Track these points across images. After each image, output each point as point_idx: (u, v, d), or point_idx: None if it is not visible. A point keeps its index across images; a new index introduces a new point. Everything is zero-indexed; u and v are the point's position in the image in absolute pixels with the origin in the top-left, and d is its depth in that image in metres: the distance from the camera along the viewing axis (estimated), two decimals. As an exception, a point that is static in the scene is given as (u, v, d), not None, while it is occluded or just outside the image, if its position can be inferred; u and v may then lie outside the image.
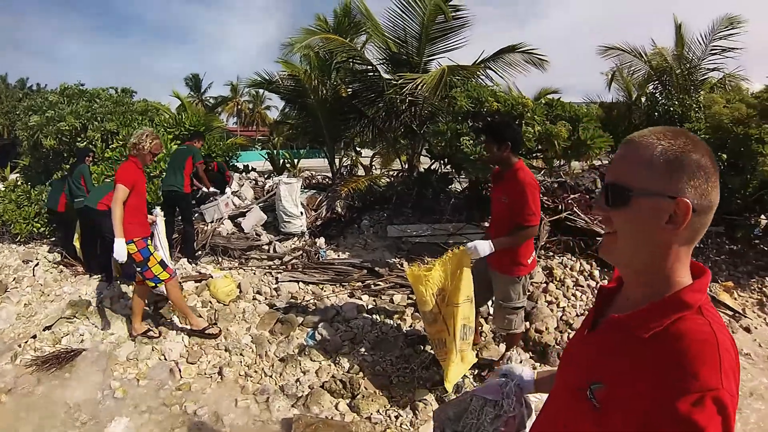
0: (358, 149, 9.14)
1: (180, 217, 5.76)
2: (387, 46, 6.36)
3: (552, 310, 3.99)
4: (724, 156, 4.72)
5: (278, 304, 4.27)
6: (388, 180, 6.60)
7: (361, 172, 8.48)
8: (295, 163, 11.23)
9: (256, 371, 3.53)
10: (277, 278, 4.72)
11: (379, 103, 6.58)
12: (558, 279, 4.39)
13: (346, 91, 7.28)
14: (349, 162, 8.33)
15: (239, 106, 36.35)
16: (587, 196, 5.40)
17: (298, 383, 3.36)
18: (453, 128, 4.59)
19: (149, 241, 3.77)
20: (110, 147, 7.42)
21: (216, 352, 3.79)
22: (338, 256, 5.29)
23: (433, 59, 6.35)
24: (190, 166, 5.68)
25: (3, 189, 8.73)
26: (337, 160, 8.07)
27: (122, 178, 3.52)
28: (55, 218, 6.54)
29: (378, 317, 3.93)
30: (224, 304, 4.37)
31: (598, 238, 4.60)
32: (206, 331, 3.86)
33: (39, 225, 7.22)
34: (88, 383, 3.68)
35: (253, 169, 9.82)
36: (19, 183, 9.30)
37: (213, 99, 33.76)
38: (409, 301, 4.13)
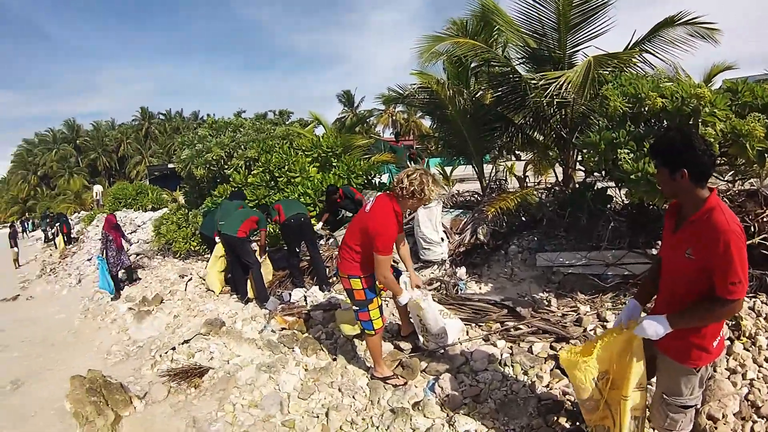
0: (517, 152, 8.07)
1: (306, 246, 5.78)
2: (525, 43, 5.52)
3: (735, 384, 2.65)
4: None
5: (403, 345, 3.77)
6: (539, 198, 5.65)
7: (514, 183, 7.46)
8: (448, 173, 10.36)
9: (363, 419, 3.11)
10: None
11: (524, 108, 5.75)
12: (747, 335, 2.98)
13: (491, 96, 6.59)
14: (500, 173, 7.33)
15: (393, 117, 36.71)
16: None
17: (404, 441, 2.82)
18: (607, 137, 3.56)
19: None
20: (252, 173, 7.92)
21: (329, 390, 3.50)
22: (479, 288, 4.62)
23: (578, 50, 5.28)
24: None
25: (167, 212, 10.15)
26: (489, 169, 7.25)
27: (386, 245, 2.88)
28: (205, 241, 7.15)
29: (511, 370, 3.16)
30: (348, 338, 4.07)
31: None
32: (389, 381, 3.37)
33: (195, 244, 8.09)
34: (206, 403, 3.74)
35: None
36: (179, 206, 10.68)
37: (367, 112, 35.32)
38: (551, 352, 3.26)
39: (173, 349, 4.67)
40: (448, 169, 10.46)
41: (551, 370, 3.08)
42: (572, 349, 2.18)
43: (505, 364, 3.23)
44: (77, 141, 47.23)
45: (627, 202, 4.80)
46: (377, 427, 3.00)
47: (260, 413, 3.41)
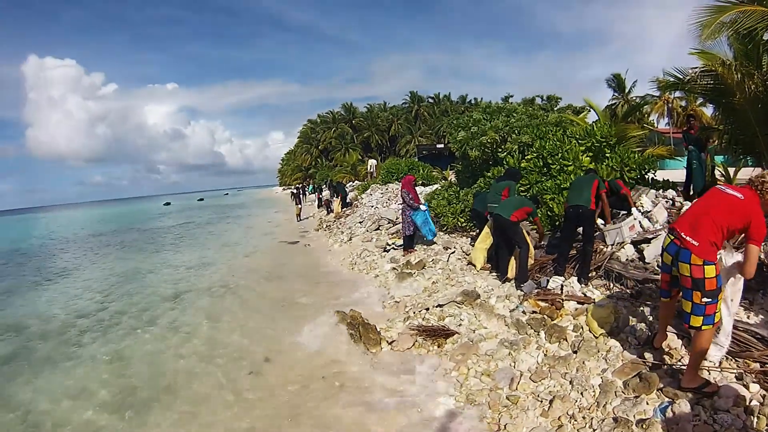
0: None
1: (581, 235, 5.76)
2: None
3: None
4: None
5: (648, 355, 3.69)
6: None
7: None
8: (731, 175, 8.75)
9: (584, 417, 3.25)
10: (660, 323, 4.06)
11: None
12: None
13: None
14: None
15: (670, 104, 31.89)
16: None
17: (613, 456, 2.88)
18: None
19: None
20: (525, 158, 8.17)
21: (560, 380, 3.67)
22: (747, 317, 4.08)
23: None
24: (595, 189, 5.70)
25: (439, 188, 11.34)
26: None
27: (764, 236, 2.91)
28: (476, 217, 7.77)
29: (755, 422, 2.86)
30: (594, 336, 4.16)
31: None
32: (703, 389, 3.15)
33: (462, 220, 8.90)
34: (444, 360, 4.37)
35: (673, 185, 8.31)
36: (450, 184, 11.67)
37: (639, 98, 31.63)
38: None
39: (427, 309, 5.52)
40: (731, 171, 8.78)
41: (803, 438, 2.67)
42: None
43: (752, 413, 2.95)
44: (353, 121, 56.08)
45: None
46: (594, 430, 3.08)
47: (490, 382, 3.84)
